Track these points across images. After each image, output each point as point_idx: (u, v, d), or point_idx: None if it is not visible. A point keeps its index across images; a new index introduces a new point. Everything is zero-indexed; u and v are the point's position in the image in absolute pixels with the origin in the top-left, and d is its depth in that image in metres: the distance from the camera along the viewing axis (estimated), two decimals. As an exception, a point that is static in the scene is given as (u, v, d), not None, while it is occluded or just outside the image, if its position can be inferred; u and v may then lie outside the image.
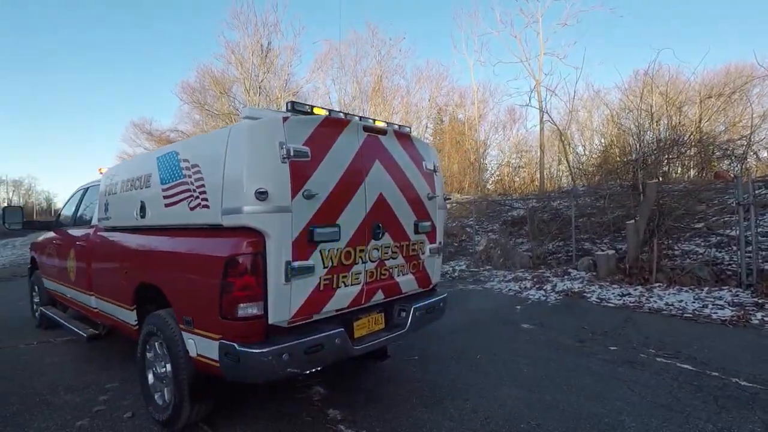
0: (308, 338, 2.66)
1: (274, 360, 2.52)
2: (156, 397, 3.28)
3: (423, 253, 3.61)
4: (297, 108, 2.82)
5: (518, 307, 7.04)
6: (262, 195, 2.47)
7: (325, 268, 2.79)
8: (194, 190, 2.86)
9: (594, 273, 8.35)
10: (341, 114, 3.08)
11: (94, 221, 4.46)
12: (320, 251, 2.75)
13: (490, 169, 28.57)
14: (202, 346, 2.75)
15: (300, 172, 2.64)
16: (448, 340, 5.23)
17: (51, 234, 5.75)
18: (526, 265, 9.91)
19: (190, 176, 2.91)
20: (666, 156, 9.79)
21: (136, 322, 3.60)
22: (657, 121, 11.17)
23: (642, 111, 11.15)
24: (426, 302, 3.60)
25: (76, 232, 4.91)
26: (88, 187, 5.22)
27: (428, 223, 3.61)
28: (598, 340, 5.11)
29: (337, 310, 2.95)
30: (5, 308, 7.87)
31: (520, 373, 4.17)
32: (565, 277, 8.58)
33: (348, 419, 3.32)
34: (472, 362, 4.50)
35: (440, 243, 3.80)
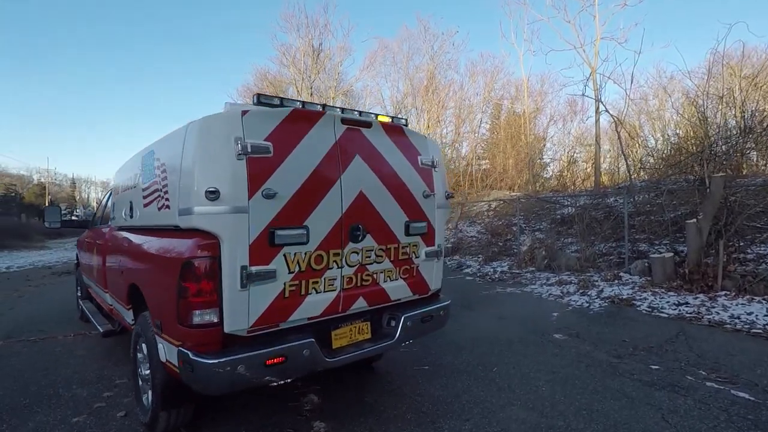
0: (268, 349, 2.46)
1: (229, 371, 2.35)
2: (143, 398, 3.27)
3: (417, 257, 3.29)
4: (263, 101, 2.62)
5: (555, 314, 6.44)
6: (212, 195, 2.30)
7: (290, 273, 2.58)
8: (161, 190, 2.77)
9: (648, 278, 7.47)
10: (319, 106, 2.86)
11: (110, 221, 4.60)
12: (284, 255, 2.54)
13: (551, 164, 27.10)
14: (168, 352, 2.65)
15: (259, 169, 2.44)
16: (466, 350, 4.84)
17: (87, 232, 6.09)
18: (573, 267, 9.12)
19: (158, 175, 2.83)
20: (740, 144, 8.53)
21: (133, 321, 3.62)
22: (739, 107, 9.77)
23: (719, 95, 9.84)
24: (420, 311, 3.28)
25: (99, 231, 5.12)
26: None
27: (423, 224, 3.29)
28: (638, 357, 4.48)
29: (309, 319, 2.73)
30: (63, 299, 8.52)
31: (537, 392, 3.72)
32: (615, 281, 7.76)
33: (332, 434, 3.10)
34: (486, 376, 4.10)
35: (440, 246, 3.45)
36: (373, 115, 3.13)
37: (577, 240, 10.10)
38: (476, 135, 30.36)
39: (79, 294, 6.72)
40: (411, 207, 3.20)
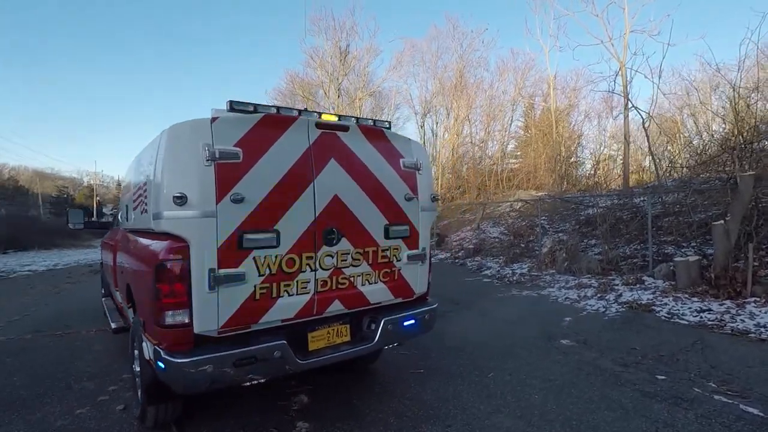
0: (237, 350, 2.52)
1: (198, 371, 2.42)
2: (139, 393, 3.41)
3: (398, 260, 3.28)
4: (237, 107, 2.68)
5: (568, 319, 6.23)
6: (179, 200, 2.38)
7: (261, 276, 2.63)
8: (143, 194, 2.89)
9: (672, 282, 7.09)
10: (295, 111, 2.89)
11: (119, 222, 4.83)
12: (254, 258, 2.59)
13: (585, 163, 26.16)
14: (149, 350, 2.76)
15: (228, 174, 2.51)
16: (465, 354, 4.77)
17: (108, 233, 6.42)
18: (594, 270, 8.78)
19: (141, 180, 2.96)
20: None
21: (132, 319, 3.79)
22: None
23: (753, 87, 9.21)
24: (402, 314, 3.26)
25: (115, 232, 5.40)
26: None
27: (404, 227, 3.27)
28: (645, 366, 4.27)
29: (283, 321, 2.77)
30: (93, 297, 9.00)
31: (528, 399, 3.62)
32: (637, 285, 7.42)
33: (313, 435, 3.13)
34: (480, 382, 4.02)
35: (424, 249, 3.42)
36: (353, 119, 3.14)
37: (601, 242, 9.72)
38: (506, 133, 29.81)
39: (102, 292, 7.09)
40: (391, 210, 3.19)
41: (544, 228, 12.07)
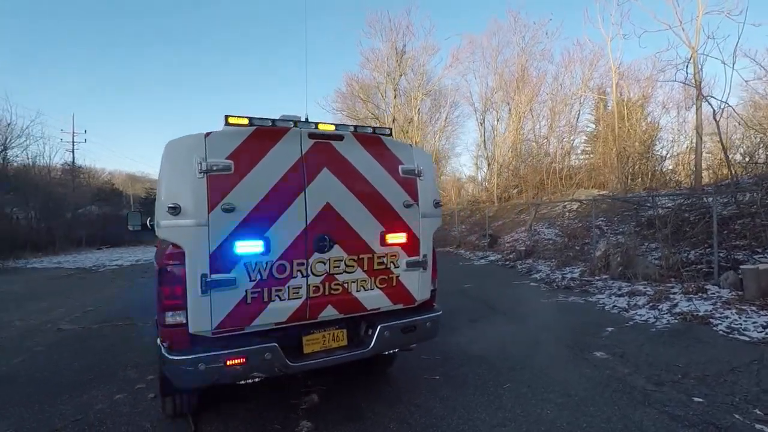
0: (229, 350, 2.68)
1: (192, 368, 2.62)
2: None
3: (397, 267, 3.28)
4: (231, 122, 2.84)
5: (610, 329, 5.81)
6: (174, 210, 2.58)
7: (252, 281, 2.77)
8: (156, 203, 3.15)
9: (739, 293, 6.35)
10: (291, 122, 3.00)
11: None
12: (245, 264, 2.74)
13: (665, 158, 23.98)
14: (160, 347, 3.01)
15: (220, 186, 2.67)
16: (488, 363, 4.64)
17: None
18: (652, 276, 8.09)
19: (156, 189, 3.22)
20: None
21: None
22: None
23: None
24: (400, 321, 3.26)
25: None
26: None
27: (402, 234, 3.26)
28: (683, 386, 3.89)
29: (276, 324, 2.90)
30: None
31: (539, 415, 3.45)
32: (698, 295, 6.72)
33: (314, 436, 3.23)
34: (494, 392, 3.90)
35: (425, 256, 3.39)
36: (351, 128, 3.19)
37: (661, 245, 8.91)
38: (572, 128, 28.14)
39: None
40: (388, 217, 3.20)
41: (601, 229, 11.31)
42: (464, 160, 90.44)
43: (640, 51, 35.16)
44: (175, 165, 2.67)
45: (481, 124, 31.26)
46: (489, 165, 29.44)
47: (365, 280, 3.16)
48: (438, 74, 33.43)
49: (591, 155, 25.63)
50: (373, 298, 3.21)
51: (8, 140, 24.61)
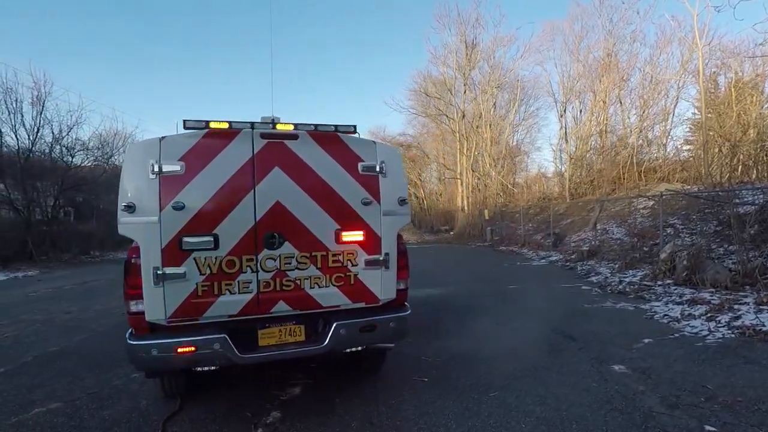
0: (179, 339, 2.87)
1: (144, 354, 2.85)
2: None
3: (354, 265, 3.25)
4: (189, 125, 3.02)
5: (647, 340, 5.18)
6: (129, 208, 2.82)
7: (201, 275, 2.93)
8: None
9: (825, 306, 5.26)
10: (248, 125, 3.11)
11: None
12: (194, 259, 2.90)
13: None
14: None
15: (171, 186, 2.86)
16: (483, 369, 4.40)
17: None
18: (723, 282, 7.01)
19: None
20: None
21: None
22: None
23: None
24: (357, 320, 3.23)
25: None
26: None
27: (359, 232, 3.22)
28: (700, 411, 3.35)
29: (230, 316, 3.04)
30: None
31: (513, 428, 3.21)
32: (772, 307, 5.70)
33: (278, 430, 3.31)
34: (477, 399, 3.70)
35: (386, 254, 3.31)
36: (310, 127, 3.21)
37: (738, 248, 7.66)
38: (667, 116, 25.10)
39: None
40: (344, 215, 3.18)
41: (676, 229, 10.04)
42: (546, 154, 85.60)
43: (729, 25, 29.73)
44: (132, 166, 2.92)
45: (561, 115, 29.24)
46: (570, 159, 27.43)
47: (319, 278, 3.17)
48: (509, 66, 31.98)
49: (691, 146, 22.72)
50: (329, 296, 3.21)
51: (114, 148, 27.67)
